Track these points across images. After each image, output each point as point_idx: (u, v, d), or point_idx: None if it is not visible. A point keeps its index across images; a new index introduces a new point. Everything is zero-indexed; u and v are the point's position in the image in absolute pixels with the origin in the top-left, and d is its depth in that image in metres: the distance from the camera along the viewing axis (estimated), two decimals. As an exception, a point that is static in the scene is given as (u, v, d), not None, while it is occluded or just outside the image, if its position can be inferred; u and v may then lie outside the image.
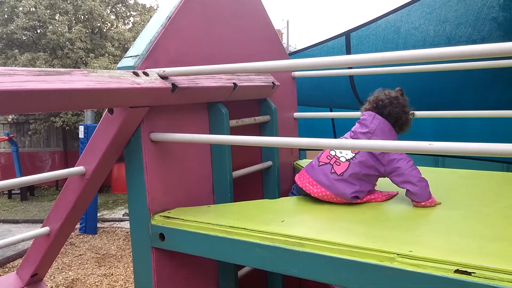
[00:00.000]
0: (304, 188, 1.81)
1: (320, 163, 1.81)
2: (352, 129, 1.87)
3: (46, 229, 1.74)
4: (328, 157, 1.80)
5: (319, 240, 1.27)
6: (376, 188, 1.85)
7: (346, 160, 1.77)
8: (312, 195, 1.77)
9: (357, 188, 1.72)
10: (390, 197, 1.81)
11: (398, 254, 1.14)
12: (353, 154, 1.76)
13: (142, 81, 1.41)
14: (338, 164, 1.76)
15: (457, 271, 1.05)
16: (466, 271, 1.03)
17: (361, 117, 1.88)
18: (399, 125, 1.85)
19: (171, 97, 1.53)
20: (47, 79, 1.14)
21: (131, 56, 1.56)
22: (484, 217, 1.53)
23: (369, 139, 1.75)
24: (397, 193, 1.83)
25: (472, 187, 1.99)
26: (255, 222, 1.49)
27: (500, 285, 0.98)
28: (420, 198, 1.66)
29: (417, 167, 1.72)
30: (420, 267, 1.09)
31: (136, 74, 1.42)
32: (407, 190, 1.69)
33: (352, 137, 1.83)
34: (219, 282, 1.90)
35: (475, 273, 1.03)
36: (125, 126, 1.49)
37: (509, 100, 3.09)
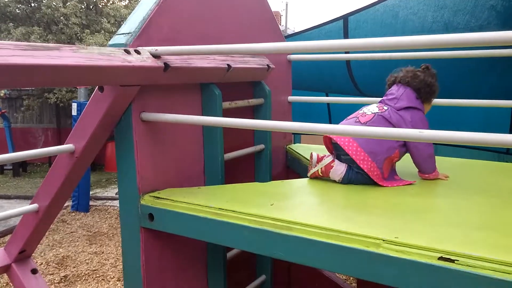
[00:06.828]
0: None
1: (348, 119, 1.90)
2: (379, 100, 1.93)
3: (34, 206, 1.73)
4: (356, 114, 1.89)
5: (307, 224, 1.27)
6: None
7: (372, 113, 1.84)
8: (336, 140, 1.80)
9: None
10: (407, 183, 1.78)
11: (383, 240, 1.15)
12: (380, 110, 1.84)
13: (134, 59, 1.38)
14: (364, 116, 1.85)
15: (440, 258, 1.06)
16: (449, 259, 1.05)
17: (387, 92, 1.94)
18: (432, 92, 1.90)
19: (163, 76, 1.51)
20: (34, 54, 1.11)
21: (123, 34, 1.53)
22: (472, 206, 1.54)
23: (395, 104, 1.84)
24: (415, 182, 1.81)
25: (463, 175, 2.00)
26: (245, 204, 1.49)
27: (482, 273, 1.00)
28: (423, 169, 1.79)
29: None
30: (405, 254, 1.10)
31: (128, 52, 1.40)
32: (413, 158, 1.81)
33: (379, 108, 1.87)
34: (207, 263, 1.92)
35: (458, 260, 1.04)
36: (116, 105, 1.48)
37: (504, 90, 3.08)
